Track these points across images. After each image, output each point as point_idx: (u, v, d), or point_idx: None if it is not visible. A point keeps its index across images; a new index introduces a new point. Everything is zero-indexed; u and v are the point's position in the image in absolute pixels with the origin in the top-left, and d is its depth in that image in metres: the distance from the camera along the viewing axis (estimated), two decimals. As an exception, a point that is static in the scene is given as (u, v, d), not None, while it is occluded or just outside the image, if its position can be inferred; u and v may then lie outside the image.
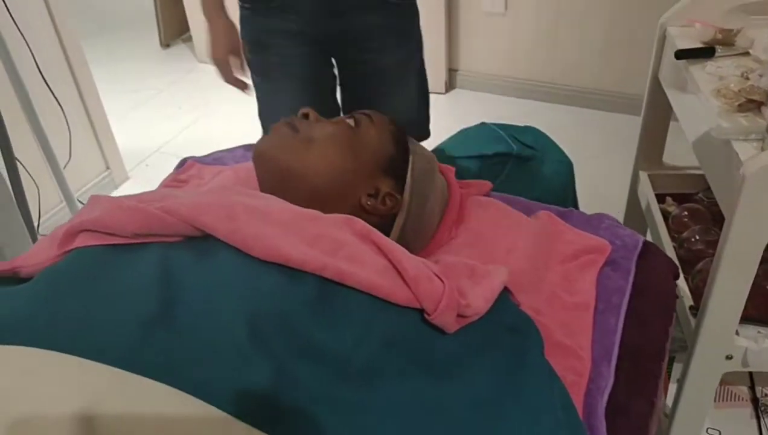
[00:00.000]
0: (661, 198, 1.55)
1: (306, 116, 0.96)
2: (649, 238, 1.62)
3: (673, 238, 1.43)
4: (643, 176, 1.60)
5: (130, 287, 0.65)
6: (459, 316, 0.71)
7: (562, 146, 1.49)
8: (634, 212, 1.65)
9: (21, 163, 1.98)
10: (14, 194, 1.78)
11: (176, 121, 3.12)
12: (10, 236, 1.52)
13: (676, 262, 1.31)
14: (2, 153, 1.74)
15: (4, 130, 1.71)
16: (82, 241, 0.72)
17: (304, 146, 0.91)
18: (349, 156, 0.92)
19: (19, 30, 1.93)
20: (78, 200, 2.18)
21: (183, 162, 1.30)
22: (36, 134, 1.93)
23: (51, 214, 2.29)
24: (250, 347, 0.60)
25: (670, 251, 1.36)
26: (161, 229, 0.71)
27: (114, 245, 0.71)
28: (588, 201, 1.90)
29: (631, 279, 0.98)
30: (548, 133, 1.66)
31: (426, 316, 0.70)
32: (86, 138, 2.46)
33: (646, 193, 1.56)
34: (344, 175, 0.92)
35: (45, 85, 2.06)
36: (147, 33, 3.94)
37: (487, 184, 1.15)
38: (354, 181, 0.93)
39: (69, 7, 2.29)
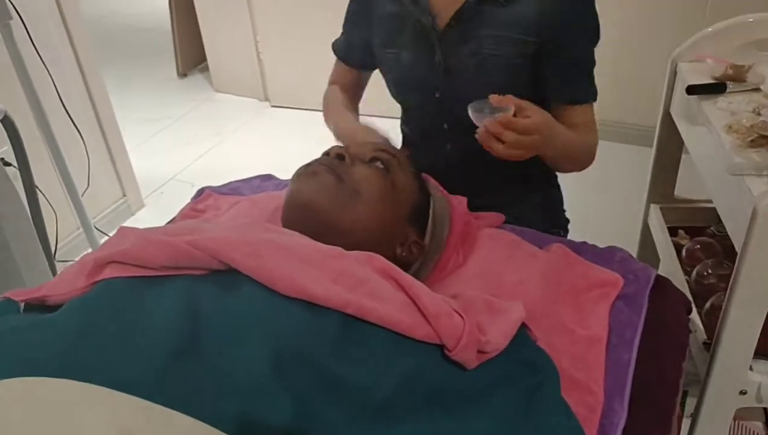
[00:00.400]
0: (673, 231, 1.55)
1: (341, 157, 0.96)
2: (661, 271, 1.62)
3: (685, 272, 1.44)
4: (655, 209, 1.61)
5: (158, 319, 0.67)
6: (479, 352, 0.72)
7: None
8: (647, 245, 1.65)
9: (40, 190, 2.02)
10: (33, 221, 1.82)
11: (192, 149, 3.17)
12: (29, 262, 1.55)
13: (689, 295, 1.32)
14: (23, 181, 1.78)
15: (25, 159, 1.75)
16: (110, 272, 0.73)
17: (352, 200, 0.90)
18: (390, 209, 0.94)
19: (41, 59, 1.98)
20: (95, 227, 2.21)
21: (200, 192, 1.32)
22: (56, 162, 1.97)
23: (68, 240, 2.32)
24: (273, 382, 0.62)
25: (682, 285, 1.36)
26: (188, 263, 0.73)
27: (141, 277, 0.73)
28: (599, 233, 1.90)
29: (643, 313, 0.98)
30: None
31: (447, 352, 0.71)
32: (104, 166, 2.50)
33: (658, 226, 1.56)
34: (385, 229, 0.93)
35: (66, 113, 2.10)
36: (164, 62, 4.02)
37: (500, 217, 1.16)
38: (391, 233, 0.94)
39: (88, 36, 2.35)
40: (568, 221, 1.38)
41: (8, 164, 1.81)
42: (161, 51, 4.17)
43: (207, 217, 1.21)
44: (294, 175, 0.97)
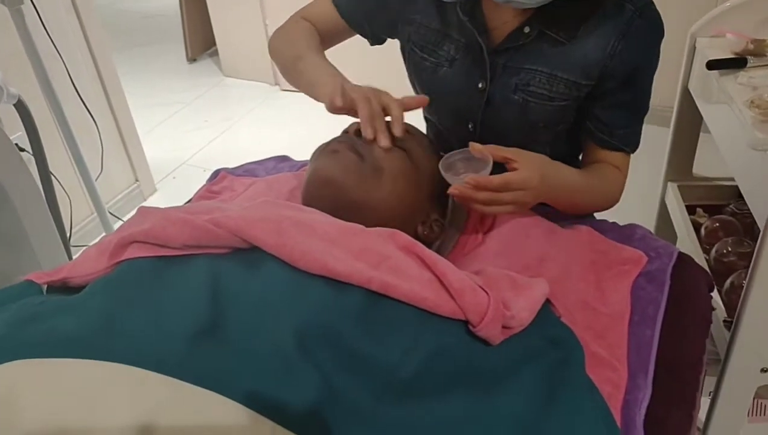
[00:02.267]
0: (691, 209, 1.54)
1: (359, 135, 0.94)
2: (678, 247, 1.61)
3: (704, 250, 1.43)
4: (673, 187, 1.59)
5: (182, 298, 0.67)
6: (504, 327, 0.72)
7: None
8: (664, 224, 1.64)
9: (54, 175, 2.02)
10: (49, 206, 1.82)
11: (202, 134, 3.17)
12: (45, 247, 1.55)
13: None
14: (38, 166, 1.79)
15: (39, 144, 1.76)
16: (132, 252, 0.73)
17: (374, 177, 0.89)
18: (412, 186, 0.93)
19: (54, 45, 1.97)
20: (109, 212, 2.22)
21: (216, 173, 1.31)
22: (69, 147, 1.97)
23: (82, 225, 2.33)
24: (297, 359, 0.61)
25: (701, 263, 1.35)
26: (210, 241, 0.73)
27: (163, 257, 0.72)
28: (616, 211, 1.88)
29: (666, 290, 0.97)
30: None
31: (471, 327, 0.70)
32: (116, 151, 2.51)
33: (676, 205, 1.55)
34: (407, 207, 0.92)
35: (79, 99, 2.10)
36: (174, 48, 4.01)
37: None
38: (414, 211, 0.94)
39: (99, 22, 2.34)
40: None
41: (23, 150, 1.82)
42: (171, 36, 4.16)
43: (223, 198, 1.20)
44: (314, 154, 0.96)
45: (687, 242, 1.45)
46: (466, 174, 0.90)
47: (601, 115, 1.06)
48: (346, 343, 0.65)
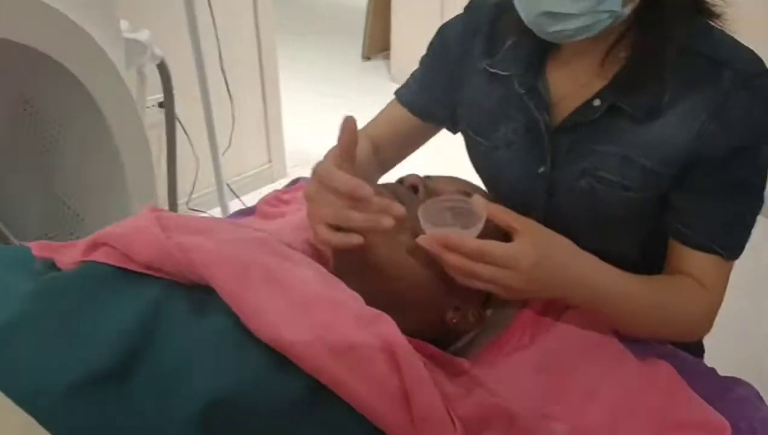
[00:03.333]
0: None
1: (415, 190, 0.81)
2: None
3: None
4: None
5: (106, 328, 0.59)
6: None
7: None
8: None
9: (189, 138, 2.10)
10: (168, 163, 1.89)
11: (350, 133, 3.17)
12: (142, 198, 1.57)
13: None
14: (166, 123, 1.86)
15: (171, 104, 1.82)
16: (100, 255, 0.67)
17: (411, 243, 0.73)
18: None
19: (213, 17, 2.03)
20: (228, 185, 2.27)
21: (294, 181, 1.25)
22: (204, 115, 2.03)
23: (205, 191, 2.40)
24: None
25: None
26: (171, 267, 0.64)
27: (124, 269, 0.65)
28: (757, 333, 1.55)
29: (743, 482, 0.74)
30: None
31: None
32: (256, 130, 2.57)
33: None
34: (441, 288, 0.77)
35: (222, 74, 2.16)
36: (353, 41, 4.08)
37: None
38: (446, 293, 0.78)
39: (282, 4, 2.40)
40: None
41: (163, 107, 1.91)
42: (352, 29, 4.24)
43: (288, 209, 1.13)
44: None
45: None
46: (443, 227, 0.72)
47: (681, 204, 0.82)
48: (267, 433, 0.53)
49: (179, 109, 1.87)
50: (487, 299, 0.82)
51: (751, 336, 1.89)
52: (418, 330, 0.74)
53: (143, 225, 0.67)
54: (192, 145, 2.18)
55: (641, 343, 0.88)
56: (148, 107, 2.00)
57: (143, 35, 1.63)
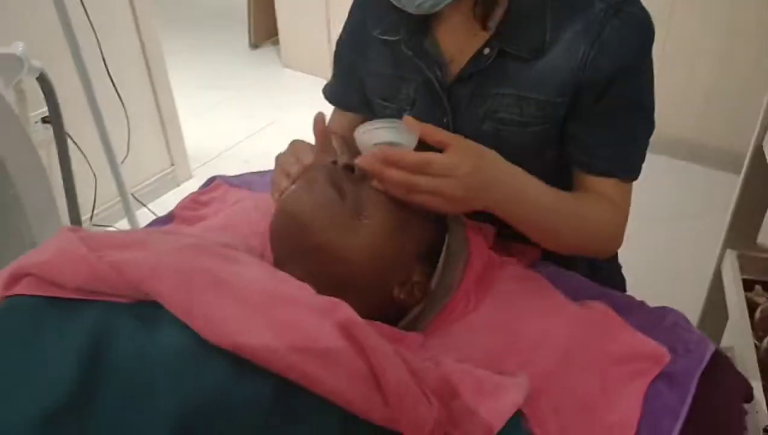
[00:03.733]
0: (749, 285, 1.33)
1: (350, 169, 0.81)
2: (728, 331, 1.40)
3: (756, 337, 1.22)
4: (731, 256, 1.38)
5: (51, 361, 0.55)
6: None
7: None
8: (716, 296, 1.43)
9: (83, 152, 1.98)
10: (64, 182, 1.78)
11: (249, 124, 3.10)
12: (42, 223, 1.47)
13: (756, 367, 1.11)
14: (56, 138, 1.74)
15: (59, 118, 1.71)
16: (23, 287, 0.62)
17: (353, 223, 0.75)
18: (396, 242, 0.78)
19: (89, 18, 1.91)
20: (132, 195, 2.16)
21: (210, 181, 1.20)
22: (96, 126, 1.91)
23: (108, 205, 2.28)
24: None
25: (749, 351, 1.15)
26: (108, 288, 0.60)
27: (53, 298, 0.60)
28: (674, 267, 1.67)
29: (689, 400, 0.79)
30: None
31: None
32: (154, 134, 2.46)
33: (732, 277, 1.34)
34: (384, 264, 0.77)
35: (108, 77, 2.05)
36: (238, 31, 3.96)
37: (534, 252, 0.98)
38: (391, 269, 0.78)
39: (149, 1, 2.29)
40: (621, 267, 1.16)
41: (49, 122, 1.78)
42: (236, 18, 4.11)
43: (208, 211, 1.09)
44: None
45: (738, 324, 1.24)
46: (379, 145, 0.74)
47: (577, 132, 0.89)
48: None
49: (65, 122, 1.75)
50: (429, 272, 0.83)
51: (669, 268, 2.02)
52: (367, 311, 0.74)
53: (66, 248, 0.62)
54: (86, 158, 2.06)
55: (575, 289, 0.93)
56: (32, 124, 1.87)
57: (17, 48, 1.50)
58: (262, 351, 0.55)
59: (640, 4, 0.86)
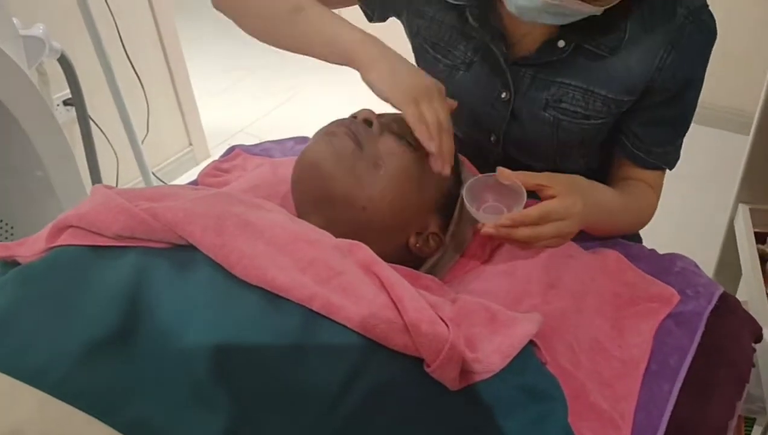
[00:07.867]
0: (761, 237, 1.35)
1: (369, 123, 0.84)
2: (742, 283, 1.42)
3: (768, 287, 1.24)
4: (744, 209, 1.40)
5: (96, 299, 0.59)
6: (466, 371, 0.60)
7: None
8: (730, 250, 1.45)
9: (104, 133, 2.03)
10: (88, 162, 1.82)
11: (264, 103, 3.14)
12: (72, 200, 1.52)
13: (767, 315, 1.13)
14: (78, 120, 1.78)
15: (81, 99, 1.75)
16: (67, 238, 0.67)
17: (370, 172, 0.78)
18: (412, 193, 0.81)
19: (107, 2, 1.95)
20: (154, 174, 2.21)
21: (230, 150, 1.25)
22: (116, 105, 1.96)
23: (131, 184, 2.34)
24: (209, 385, 0.53)
25: (761, 302, 1.18)
26: (145, 234, 0.65)
27: (95, 247, 0.65)
28: (684, 228, 1.68)
29: (697, 338, 0.82)
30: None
31: (425, 367, 0.60)
32: (172, 114, 2.50)
33: (744, 230, 1.36)
34: (404, 213, 0.81)
35: (126, 58, 2.09)
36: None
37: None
38: (410, 218, 0.82)
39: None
40: None
41: (72, 104, 1.82)
42: None
43: (230, 177, 1.13)
44: (314, 134, 0.87)
45: (750, 276, 1.27)
46: (492, 204, 0.81)
47: (639, 131, 0.93)
48: (272, 368, 0.56)
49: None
50: (444, 223, 0.86)
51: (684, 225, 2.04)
52: (383, 258, 0.78)
53: (104, 200, 0.67)
54: (108, 139, 2.11)
55: (587, 238, 0.96)
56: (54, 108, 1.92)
57: (38, 30, 1.55)
58: (290, 283, 0.59)
59: (710, 10, 0.86)
